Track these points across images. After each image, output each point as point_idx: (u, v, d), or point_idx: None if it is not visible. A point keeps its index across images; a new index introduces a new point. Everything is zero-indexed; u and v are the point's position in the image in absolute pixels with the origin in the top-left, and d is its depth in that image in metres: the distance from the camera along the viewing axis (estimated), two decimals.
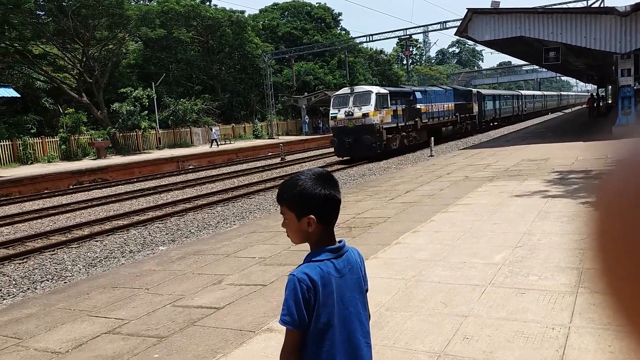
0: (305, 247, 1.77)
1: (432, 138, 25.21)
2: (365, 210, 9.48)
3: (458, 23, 25.30)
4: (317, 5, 65.72)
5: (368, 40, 42.35)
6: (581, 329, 3.64)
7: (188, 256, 7.50)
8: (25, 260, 9.64)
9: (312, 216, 1.67)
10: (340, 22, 71.11)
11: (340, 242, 1.77)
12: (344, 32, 71.00)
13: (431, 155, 22.57)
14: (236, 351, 3.94)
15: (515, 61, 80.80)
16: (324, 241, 1.73)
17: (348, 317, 1.73)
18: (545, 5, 23.51)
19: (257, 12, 63.54)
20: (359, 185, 14.52)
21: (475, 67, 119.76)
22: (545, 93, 75.14)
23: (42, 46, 34.46)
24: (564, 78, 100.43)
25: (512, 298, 4.34)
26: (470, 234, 6.72)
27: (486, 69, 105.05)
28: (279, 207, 1.76)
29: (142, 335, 4.49)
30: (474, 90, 40.01)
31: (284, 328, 1.67)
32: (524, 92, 61.21)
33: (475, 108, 37.65)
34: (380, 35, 41.77)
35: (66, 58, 34.56)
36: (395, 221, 8.23)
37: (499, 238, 6.37)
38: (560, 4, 26.11)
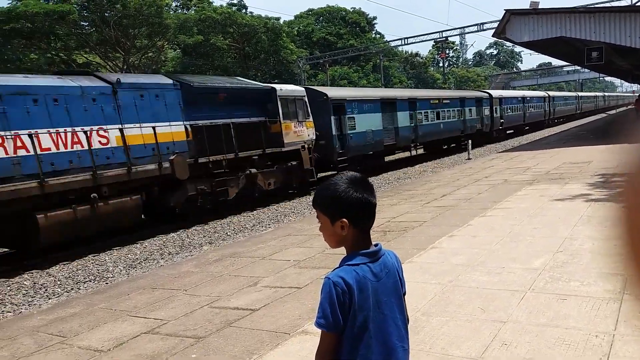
0: (341, 251, 1.77)
1: (470, 141, 24.79)
2: (401, 214, 9.40)
3: (495, 24, 24.86)
4: (351, 10, 65.82)
5: (403, 43, 42.20)
6: (626, 336, 3.50)
7: (225, 258, 7.62)
8: (69, 261, 9.99)
9: (344, 219, 1.68)
10: (375, 26, 70.97)
11: (376, 245, 1.77)
12: (378, 35, 70.76)
13: (469, 159, 22.20)
14: (272, 352, 3.97)
15: (556, 62, 78.61)
16: (360, 245, 1.73)
17: (384, 321, 1.72)
18: (587, 5, 22.86)
19: (292, 18, 64.14)
20: (394, 188, 14.40)
21: (514, 69, 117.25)
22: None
23: (85, 55, 35.75)
24: (607, 78, 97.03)
25: (553, 304, 4.22)
26: (509, 239, 6.57)
27: (525, 70, 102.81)
28: (314, 211, 1.77)
29: (181, 336, 4.58)
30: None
31: (319, 331, 1.67)
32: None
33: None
34: (415, 38, 41.51)
35: (108, 66, 35.74)
36: (431, 225, 8.13)
37: (539, 243, 6.20)
38: (602, 2, 25.30)
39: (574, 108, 59.07)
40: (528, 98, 41.59)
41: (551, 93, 51.63)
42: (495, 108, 33.66)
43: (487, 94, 33.89)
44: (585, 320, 3.83)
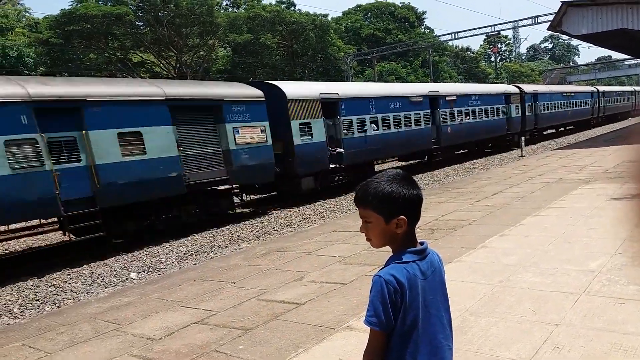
0: (386, 248, 1.76)
1: (523, 138, 23.97)
2: (449, 213, 9.23)
3: (551, 17, 23.92)
4: (400, 4, 64.97)
5: (453, 37, 41.32)
6: None
7: (271, 252, 7.73)
8: (125, 253, 10.42)
9: (403, 217, 1.67)
10: (425, 20, 69.69)
11: (422, 244, 1.75)
12: (428, 30, 69.54)
13: (521, 156, 21.53)
14: (317, 347, 4.00)
15: (616, 55, 74.71)
16: (408, 243, 1.72)
17: (431, 319, 1.71)
18: None
19: (341, 14, 64.02)
20: (442, 186, 14.16)
21: (571, 63, 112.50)
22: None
23: (140, 54, 37.04)
24: None
25: (609, 308, 4.03)
26: (563, 239, 6.33)
27: (582, 65, 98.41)
28: (359, 210, 1.75)
29: (229, 327, 4.69)
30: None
31: (363, 327, 1.67)
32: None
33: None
34: (466, 32, 40.48)
35: (161, 65, 36.90)
36: (481, 224, 7.94)
37: (596, 244, 5.94)
38: None
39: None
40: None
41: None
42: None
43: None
44: None
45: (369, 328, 1.64)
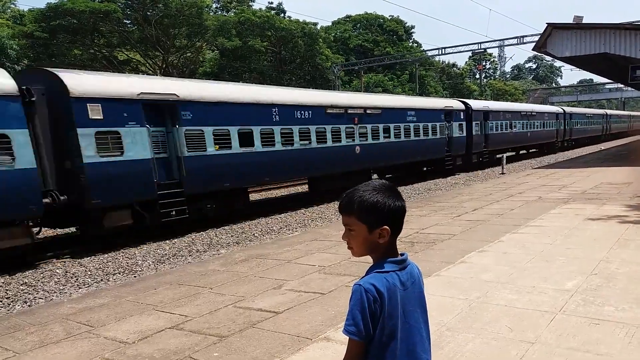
0: (367, 258, 1.75)
1: (504, 155, 24.30)
2: (429, 226, 9.28)
3: (536, 38, 24.39)
4: (389, 17, 65.66)
5: (440, 53, 41.82)
6: None
7: (251, 259, 7.66)
8: (100, 253, 10.23)
9: (386, 227, 1.66)
10: (413, 34, 70.60)
11: (402, 255, 1.74)
12: (415, 44, 70.37)
13: (502, 173, 21.80)
14: (293, 357, 3.96)
15: (598, 79, 76.46)
16: (389, 253, 1.71)
17: (409, 330, 1.70)
18: (633, 21, 22.18)
19: (330, 24, 64.42)
20: (424, 199, 14.25)
21: (554, 84, 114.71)
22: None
23: (126, 53, 36.71)
24: None
25: (584, 328, 4.08)
26: (540, 257, 6.40)
27: (565, 86, 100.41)
28: (342, 217, 1.74)
29: (204, 333, 4.62)
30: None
31: (341, 338, 1.66)
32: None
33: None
34: (453, 48, 41.05)
35: (147, 64, 36.62)
36: (461, 239, 8.00)
37: (573, 264, 6.02)
38: None
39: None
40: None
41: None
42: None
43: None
44: (618, 346, 3.69)
45: (347, 337, 1.62)
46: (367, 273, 1.69)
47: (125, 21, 35.77)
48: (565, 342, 3.84)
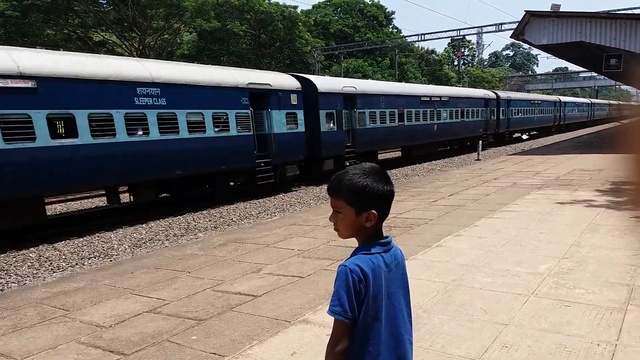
0: (345, 242, 1.75)
1: (480, 142, 24.63)
2: (407, 211, 9.37)
3: (514, 25, 24.58)
4: (370, 2, 65.34)
5: (420, 39, 41.95)
6: (629, 347, 3.47)
7: (229, 243, 7.64)
8: (75, 237, 10.07)
9: (374, 211, 1.66)
10: (393, 20, 70.44)
11: (387, 237, 1.76)
12: (395, 30, 70.28)
13: (478, 159, 22.08)
14: (272, 339, 3.99)
15: (572, 67, 77.61)
16: (374, 236, 1.72)
17: (393, 312, 1.72)
18: (609, 11, 22.52)
19: (310, 7, 63.80)
20: (401, 185, 14.37)
21: (530, 72, 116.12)
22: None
23: (102, 34, 35.80)
24: (623, 87, 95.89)
25: (555, 310, 4.19)
26: (515, 242, 6.54)
27: (541, 74, 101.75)
28: (331, 199, 1.73)
29: (182, 317, 4.61)
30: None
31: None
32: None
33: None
34: (432, 34, 41.16)
35: (124, 46, 35.79)
36: (437, 224, 8.11)
37: (545, 248, 6.17)
38: (624, 9, 24.96)
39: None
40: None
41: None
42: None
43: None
44: (587, 328, 3.81)
45: (333, 318, 1.64)
46: (353, 255, 1.70)
47: (100, 1, 34.84)
48: (538, 323, 3.95)
